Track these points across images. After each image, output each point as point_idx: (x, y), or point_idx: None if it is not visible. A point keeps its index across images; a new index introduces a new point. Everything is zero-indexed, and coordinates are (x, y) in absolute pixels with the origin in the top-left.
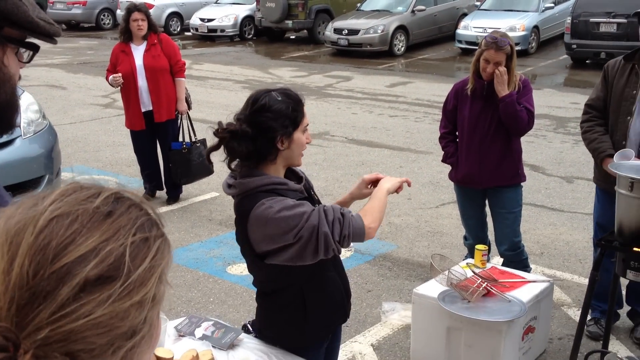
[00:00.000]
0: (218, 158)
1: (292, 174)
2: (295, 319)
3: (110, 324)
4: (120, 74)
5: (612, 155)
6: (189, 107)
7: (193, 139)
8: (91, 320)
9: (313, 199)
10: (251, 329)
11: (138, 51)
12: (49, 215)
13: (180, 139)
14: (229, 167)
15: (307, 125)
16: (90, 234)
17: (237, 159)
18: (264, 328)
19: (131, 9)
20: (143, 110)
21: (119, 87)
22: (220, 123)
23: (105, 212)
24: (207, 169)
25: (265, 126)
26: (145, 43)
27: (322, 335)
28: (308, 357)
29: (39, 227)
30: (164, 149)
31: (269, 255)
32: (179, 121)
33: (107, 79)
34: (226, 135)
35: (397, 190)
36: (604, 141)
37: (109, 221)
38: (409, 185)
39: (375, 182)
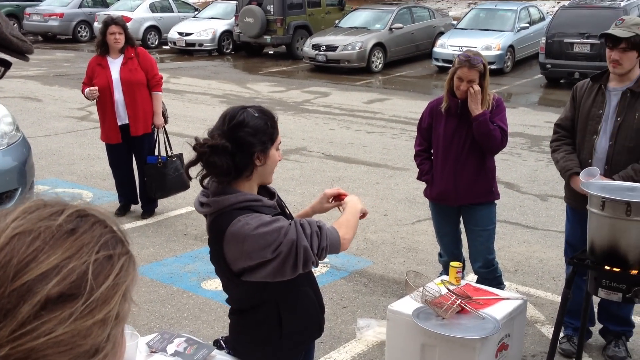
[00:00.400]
0: (193, 173)
1: (264, 190)
2: (270, 335)
3: (72, 342)
4: (96, 87)
5: (578, 173)
6: (166, 121)
7: (169, 153)
8: (52, 339)
9: (286, 214)
10: (224, 345)
11: (115, 64)
12: (10, 233)
13: (156, 153)
14: (202, 184)
15: (280, 142)
16: (52, 251)
17: (210, 176)
18: (237, 345)
19: (108, 22)
20: (119, 123)
21: (95, 100)
22: (197, 138)
23: (68, 229)
24: (182, 184)
25: (244, 141)
26: (122, 56)
27: (297, 350)
28: None
29: (0, 244)
30: (139, 163)
31: (246, 272)
32: (155, 135)
33: (83, 91)
34: (206, 150)
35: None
36: (570, 159)
37: (71, 239)
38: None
39: (336, 197)
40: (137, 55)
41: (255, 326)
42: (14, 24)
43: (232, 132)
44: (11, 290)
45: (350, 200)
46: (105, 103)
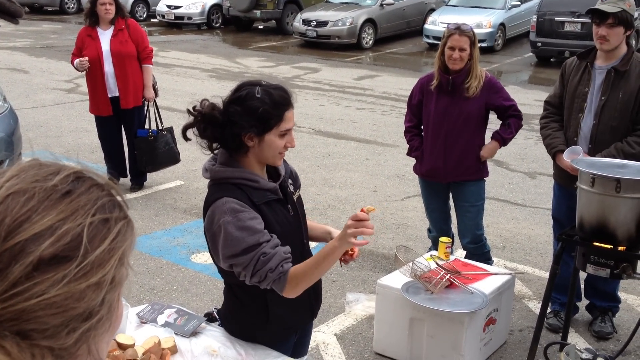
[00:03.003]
0: (186, 146)
1: (274, 170)
2: (257, 318)
3: (65, 305)
4: (87, 58)
5: (563, 151)
6: (156, 94)
7: (159, 127)
8: (44, 300)
9: (287, 198)
10: (217, 317)
11: (105, 36)
12: (4, 192)
13: (147, 127)
14: (210, 149)
15: (289, 129)
16: (46, 212)
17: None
18: (227, 322)
19: None
20: (109, 95)
21: (85, 72)
22: (201, 102)
23: (63, 190)
24: (173, 158)
25: (232, 119)
26: (112, 28)
27: (285, 334)
28: (275, 350)
29: None
30: (129, 136)
31: None
32: (146, 108)
33: (72, 62)
34: (196, 116)
35: (345, 256)
36: (556, 137)
37: (67, 200)
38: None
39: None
40: (127, 27)
41: (241, 308)
42: None
43: (228, 105)
44: (3, 250)
45: (343, 235)
46: (95, 75)
